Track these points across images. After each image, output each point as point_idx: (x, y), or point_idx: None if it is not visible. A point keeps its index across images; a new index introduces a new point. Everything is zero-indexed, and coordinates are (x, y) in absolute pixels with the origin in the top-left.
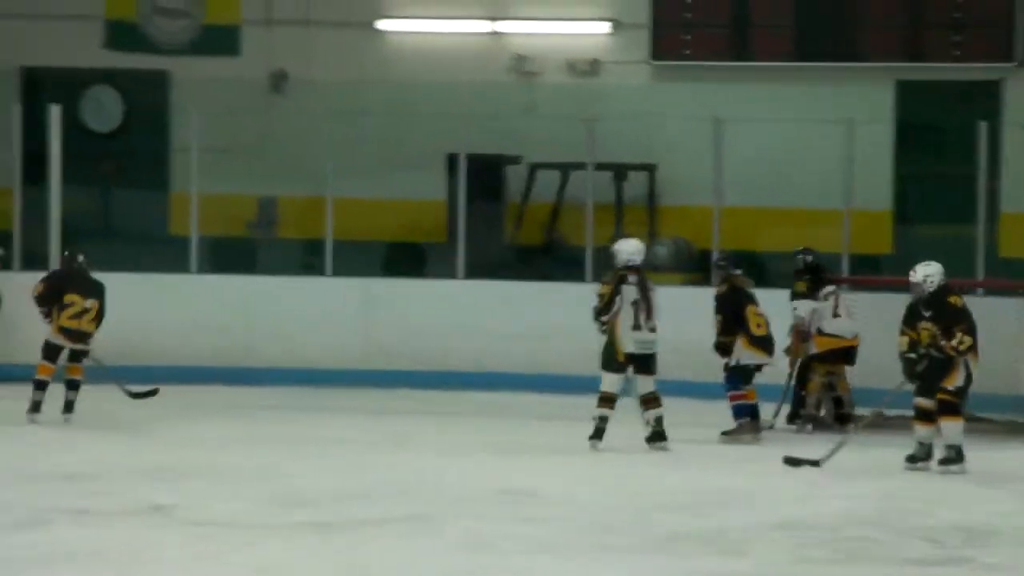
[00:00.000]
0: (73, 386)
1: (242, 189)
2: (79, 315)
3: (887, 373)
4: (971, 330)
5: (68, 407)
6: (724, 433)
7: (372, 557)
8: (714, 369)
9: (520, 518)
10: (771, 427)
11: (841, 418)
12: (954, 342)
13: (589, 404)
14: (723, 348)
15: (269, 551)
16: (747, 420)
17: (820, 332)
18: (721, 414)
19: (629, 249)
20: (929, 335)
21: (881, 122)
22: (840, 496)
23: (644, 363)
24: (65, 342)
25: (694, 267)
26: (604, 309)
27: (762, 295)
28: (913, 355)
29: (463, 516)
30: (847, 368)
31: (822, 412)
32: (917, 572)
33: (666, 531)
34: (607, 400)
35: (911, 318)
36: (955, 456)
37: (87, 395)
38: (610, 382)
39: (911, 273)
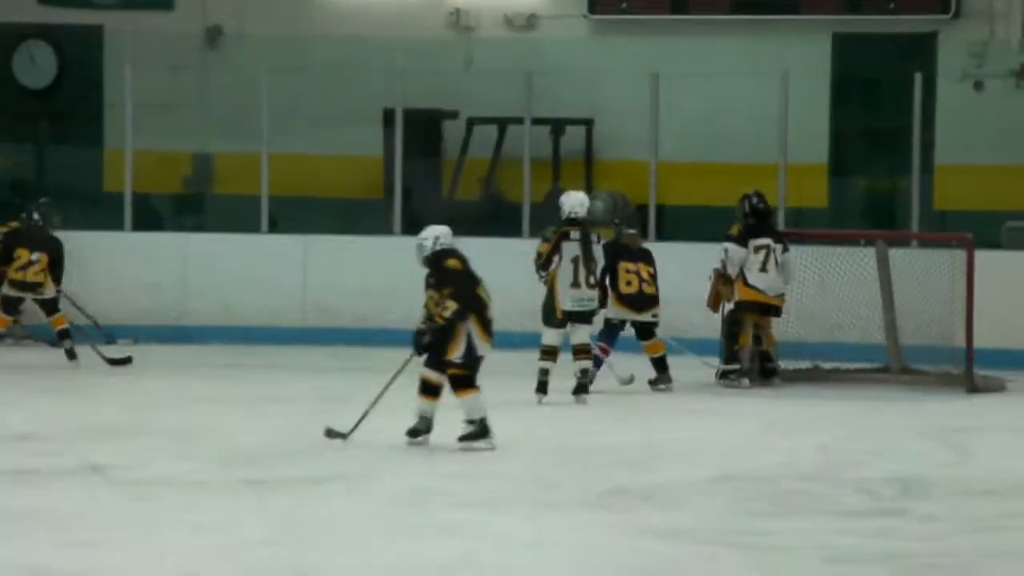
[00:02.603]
0: (61, 335)
1: (177, 146)
2: (24, 267)
3: (822, 325)
4: (458, 294)
5: (69, 355)
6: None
7: (310, 515)
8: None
9: (461, 474)
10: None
11: (766, 372)
12: (440, 308)
13: (528, 359)
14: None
15: (206, 510)
16: (595, 371)
17: (744, 282)
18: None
19: (572, 202)
20: (433, 302)
21: (817, 75)
22: (779, 449)
23: (581, 319)
24: (15, 293)
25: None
26: (543, 266)
27: (697, 249)
28: (422, 326)
29: (402, 473)
30: (773, 320)
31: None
32: (854, 523)
33: (605, 486)
34: (549, 353)
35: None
36: (478, 431)
37: (29, 355)
38: (551, 336)
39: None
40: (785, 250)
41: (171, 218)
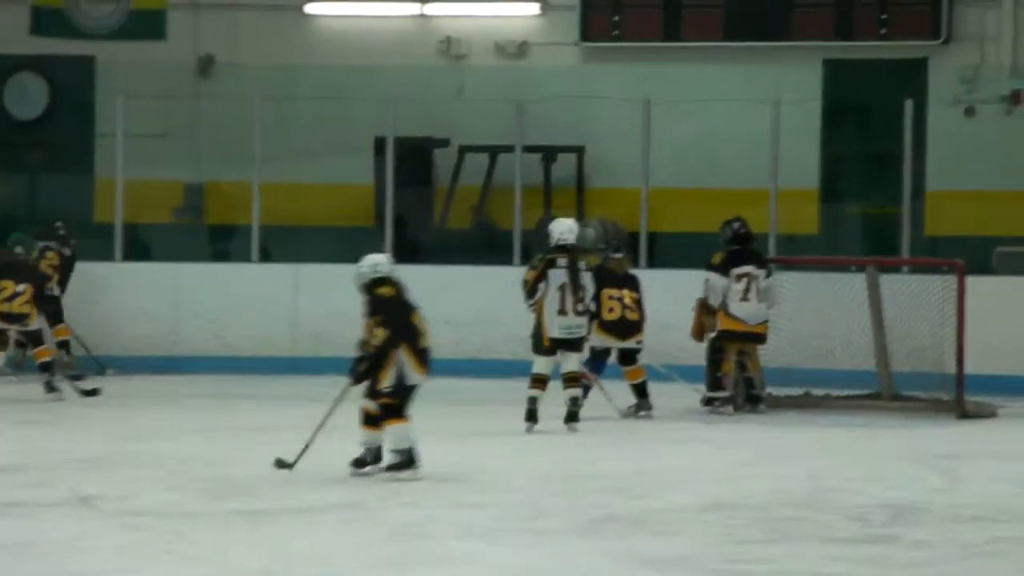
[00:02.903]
0: (43, 368)
1: (168, 175)
2: (10, 299)
3: (813, 352)
4: (388, 322)
5: (48, 388)
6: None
7: (303, 546)
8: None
9: (453, 503)
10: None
11: (752, 399)
12: (369, 336)
13: (518, 388)
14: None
15: (198, 541)
16: (583, 399)
17: (726, 311)
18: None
19: (560, 229)
20: (368, 330)
21: (809, 101)
22: (770, 476)
23: (569, 346)
24: (0, 325)
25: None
26: (529, 293)
27: (689, 276)
28: (359, 355)
29: (395, 503)
30: (762, 347)
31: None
32: (844, 550)
33: (598, 514)
34: (538, 381)
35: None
36: (406, 461)
37: (12, 388)
38: (541, 364)
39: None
40: (768, 275)
41: (162, 248)
